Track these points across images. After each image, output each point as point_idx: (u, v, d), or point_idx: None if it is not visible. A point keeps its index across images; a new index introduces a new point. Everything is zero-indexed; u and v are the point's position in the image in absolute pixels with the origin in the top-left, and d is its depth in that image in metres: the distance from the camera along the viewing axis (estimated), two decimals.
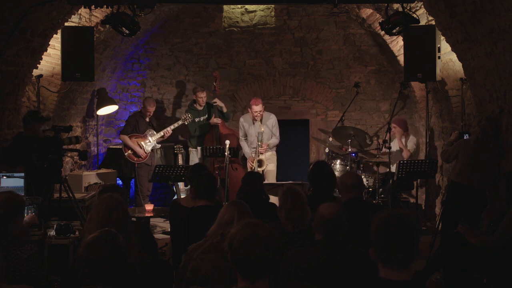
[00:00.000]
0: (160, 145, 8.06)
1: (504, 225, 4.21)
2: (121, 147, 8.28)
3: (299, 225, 3.77)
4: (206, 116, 8.19)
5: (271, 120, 7.79)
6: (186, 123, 8.02)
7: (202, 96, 8.12)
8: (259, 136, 7.37)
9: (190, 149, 8.24)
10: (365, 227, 2.39)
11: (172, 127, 7.99)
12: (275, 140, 7.80)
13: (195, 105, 8.21)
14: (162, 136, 7.96)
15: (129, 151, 7.84)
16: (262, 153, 7.51)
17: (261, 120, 7.61)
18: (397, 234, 2.27)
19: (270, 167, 7.72)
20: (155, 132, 7.95)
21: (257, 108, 7.56)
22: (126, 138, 7.85)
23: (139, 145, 7.86)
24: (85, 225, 3.76)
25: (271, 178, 7.63)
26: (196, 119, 8.14)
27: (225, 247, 2.33)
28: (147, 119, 8.02)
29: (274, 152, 7.87)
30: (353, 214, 3.93)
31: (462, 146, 5.56)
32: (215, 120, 7.92)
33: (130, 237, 3.36)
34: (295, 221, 3.77)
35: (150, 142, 7.92)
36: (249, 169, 7.53)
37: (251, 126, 7.74)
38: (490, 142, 5.28)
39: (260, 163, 7.54)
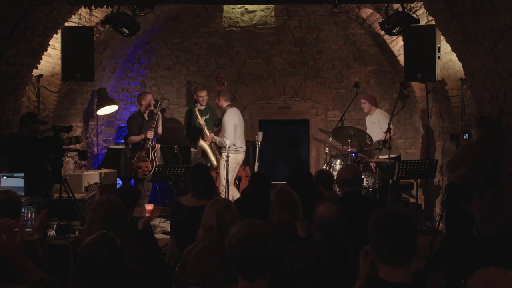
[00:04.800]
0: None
1: (505, 215, 4.19)
2: (121, 147, 8.29)
3: (291, 226, 3.76)
4: (208, 116, 8.19)
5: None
6: (164, 107, 8.09)
7: (203, 95, 8.10)
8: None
9: (192, 149, 8.23)
10: (365, 220, 2.39)
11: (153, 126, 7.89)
12: (221, 138, 7.50)
13: (196, 104, 8.21)
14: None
15: (139, 170, 7.72)
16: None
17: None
18: (395, 232, 2.26)
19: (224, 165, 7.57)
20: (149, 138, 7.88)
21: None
22: (134, 138, 7.84)
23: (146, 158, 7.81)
24: (83, 228, 3.73)
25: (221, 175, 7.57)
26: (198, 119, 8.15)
27: (219, 246, 2.32)
28: (146, 117, 8.00)
29: (230, 154, 7.33)
30: (352, 207, 3.95)
31: (467, 151, 5.49)
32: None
33: (129, 239, 3.35)
34: (286, 223, 3.76)
35: (153, 147, 7.87)
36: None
37: None
38: (494, 144, 5.25)
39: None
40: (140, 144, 7.78)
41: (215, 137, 7.68)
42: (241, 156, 7.74)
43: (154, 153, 7.82)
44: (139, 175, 7.76)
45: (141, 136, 7.79)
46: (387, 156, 6.86)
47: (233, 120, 7.59)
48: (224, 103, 7.73)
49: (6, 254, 2.51)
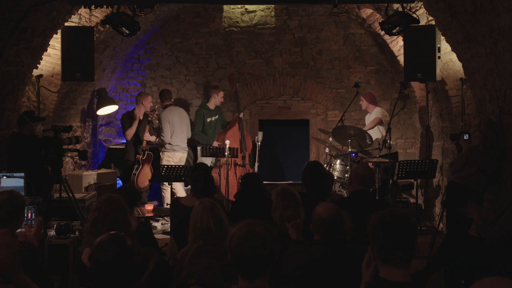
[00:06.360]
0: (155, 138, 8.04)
1: (506, 216, 4.19)
2: (121, 147, 8.28)
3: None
4: (217, 116, 8.22)
5: None
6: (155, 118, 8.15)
7: (222, 96, 8.26)
8: None
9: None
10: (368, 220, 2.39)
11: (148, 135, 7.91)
12: (160, 138, 7.92)
13: (208, 104, 8.21)
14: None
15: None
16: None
17: None
18: (394, 232, 2.26)
19: None
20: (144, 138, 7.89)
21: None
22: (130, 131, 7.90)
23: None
24: (85, 227, 3.73)
25: None
26: (208, 119, 8.16)
27: (215, 246, 2.30)
28: (140, 117, 7.97)
29: (166, 152, 7.90)
30: (360, 206, 3.93)
31: (471, 154, 5.49)
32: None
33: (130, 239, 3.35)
34: (289, 221, 3.75)
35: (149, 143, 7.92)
36: None
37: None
38: (494, 145, 5.25)
39: None
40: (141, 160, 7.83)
41: (157, 138, 7.95)
42: (179, 155, 7.85)
43: (150, 162, 7.87)
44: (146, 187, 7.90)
45: (135, 128, 7.83)
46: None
47: (167, 118, 7.82)
48: (167, 102, 8.01)
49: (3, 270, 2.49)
